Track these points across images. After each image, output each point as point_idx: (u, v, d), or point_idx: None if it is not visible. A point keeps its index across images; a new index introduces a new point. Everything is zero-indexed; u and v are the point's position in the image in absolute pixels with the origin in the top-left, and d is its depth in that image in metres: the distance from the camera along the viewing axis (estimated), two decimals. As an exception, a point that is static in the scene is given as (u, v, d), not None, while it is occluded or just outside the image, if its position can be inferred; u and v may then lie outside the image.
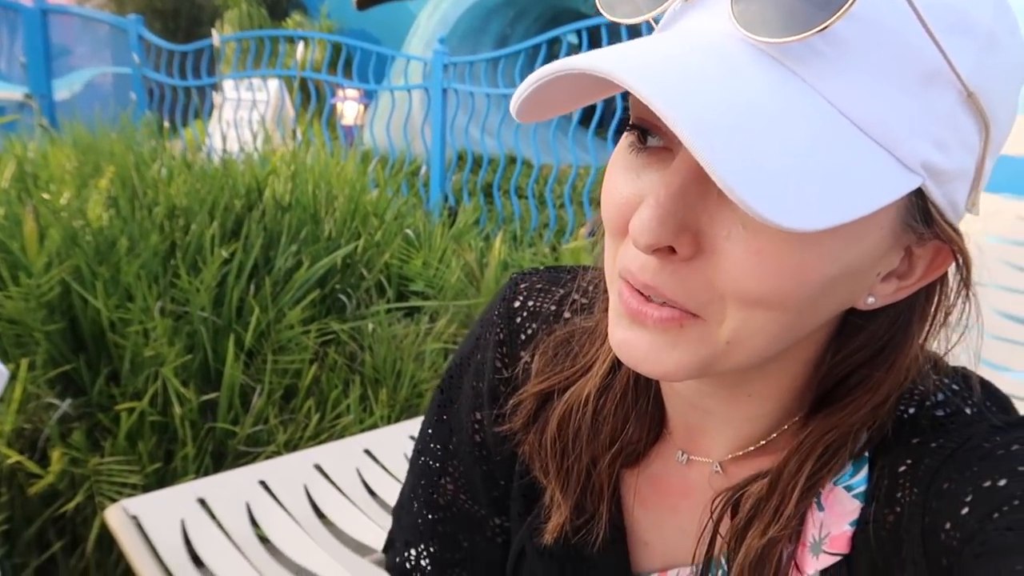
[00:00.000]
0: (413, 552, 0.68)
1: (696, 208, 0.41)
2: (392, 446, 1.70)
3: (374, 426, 2.09)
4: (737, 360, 0.44)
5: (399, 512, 0.71)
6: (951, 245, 0.43)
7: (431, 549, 0.68)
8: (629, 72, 0.35)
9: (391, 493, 1.56)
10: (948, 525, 0.44)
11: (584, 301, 0.62)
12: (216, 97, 5.18)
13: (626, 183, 0.45)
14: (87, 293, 1.94)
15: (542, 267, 0.67)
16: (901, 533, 0.47)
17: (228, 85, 5.78)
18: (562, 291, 0.64)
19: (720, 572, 0.54)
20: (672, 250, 0.41)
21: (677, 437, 0.58)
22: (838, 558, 0.49)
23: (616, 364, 0.57)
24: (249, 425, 1.88)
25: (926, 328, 0.47)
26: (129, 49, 5.85)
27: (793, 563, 0.50)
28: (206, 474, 1.84)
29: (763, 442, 0.54)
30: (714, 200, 0.41)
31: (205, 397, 1.87)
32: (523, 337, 0.63)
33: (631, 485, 0.59)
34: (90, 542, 1.67)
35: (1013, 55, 0.41)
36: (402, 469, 1.64)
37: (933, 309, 0.47)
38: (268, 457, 1.86)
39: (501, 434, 0.62)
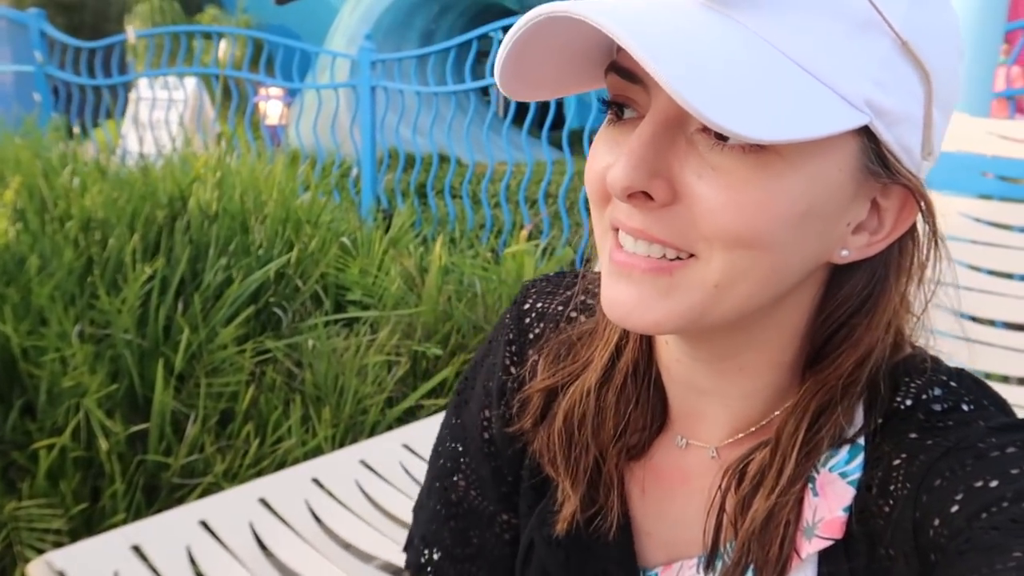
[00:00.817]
0: (427, 548, 0.71)
1: (667, 155, 0.45)
2: (341, 473, 1.60)
3: (318, 448, 1.98)
4: (726, 308, 0.47)
5: (417, 511, 0.73)
6: (912, 192, 0.47)
7: (445, 544, 0.70)
8: (595, 12, 0.40)
9: (342, 524, 1.47)
10: (937, 522, 0.46)
11: (590, 301, 0.65)
12: (130, 96, 4.90)
13: (605, 152, 0.49)
14: (-5, 319, 1.77)
15: (552, 273, 0.71)
16: (893, 525, 0.49)
17: (142, 84, 5.48)
18: (568, 292, 0.67)
19: (722, 563, 0.55)
20: (649, 197, 0.45)
21: (678, 425, 0.60)
22: (831, 542, 0.51)
23: (615, 356, 0.59)
24: (183, 455, 1.75)
25: (903, 282, 0.50)
26: (31, 46, 5.47)
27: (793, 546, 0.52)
28: (137, 512, 1.70)
29: (755, 428, 0.55)
30: (683, 147, 0.45)
31: (134, 428, 1.73)
32: (531, 336, 0.67)
33: (638, 477, 0.61)
34: (9, 596, 1.52)
35: (942, 11, 0.46)
36: (353, 497, 1.55)
37: (908, 262, 0.50)
38: (206, 489, 1.74)
39: (510, 434, 0.65)
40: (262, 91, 5.81)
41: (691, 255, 0.46)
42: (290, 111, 5.92)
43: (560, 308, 0.67)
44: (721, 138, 0.43)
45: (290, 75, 4.97)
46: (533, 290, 0.69)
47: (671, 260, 0.46)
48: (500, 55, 0.45)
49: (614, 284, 0.48)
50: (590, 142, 3.31)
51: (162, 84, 5.30)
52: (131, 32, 4.37)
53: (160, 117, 5.01)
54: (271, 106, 5.88)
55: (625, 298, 0.47)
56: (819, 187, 0.44)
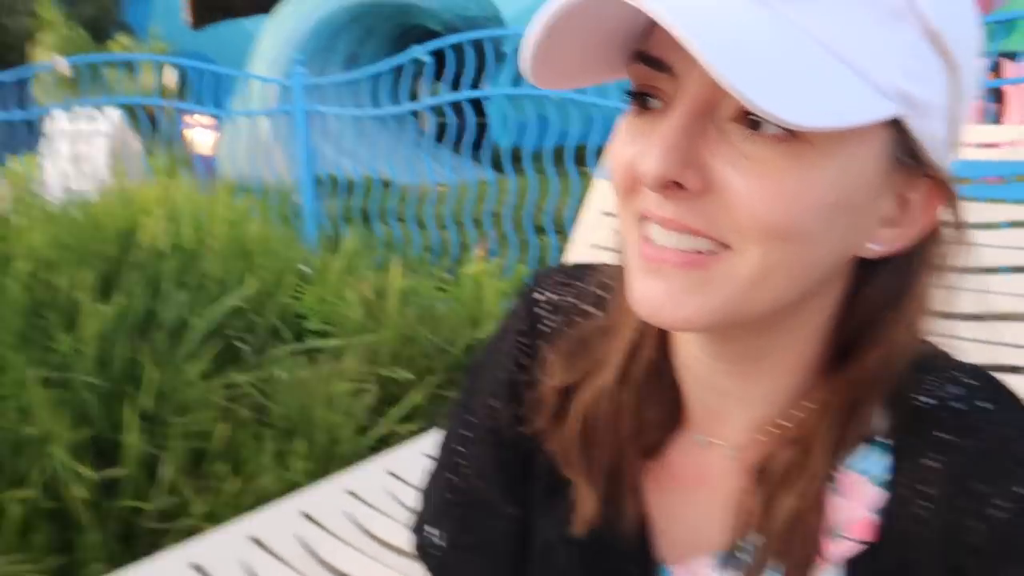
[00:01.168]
0: (431, 532, 0.70)
1: (698, 144, 0.44)
2: (329, 505, 1.58)
3: (294, 482, 1.94)
4: (757, 304, 0.46)
5: (424, 494, 0.73)
6: (940, 183, 0.47)
7: (446, 531, 0.69)
8: None
9: (337, 555, 1.45)
10: (974, 524, 0.45)
11: (606, 296, 0.63)
12: (48, 129, 4.69)
13: (628, 143, 0.48)
14: (-55, 369, 1.68)
15: (564, 264, 0.70)
16: (926, 528, 0.48)
17: (60, 116, 5.26)
18: (582, 285, 0.65)
19: (742, 563, 0.54)
20: (681, 187, 0.44)
21: (696, 424, 0.59)
22: (859, 544, 0.50)
23: (632, 355, 0.58)
24: (159, 499, 1.69)
25: (929, 276, 0.50)
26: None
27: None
28: (113, 561, 1.63)
29: (777, 428, 0.54)
30: (713, 136, 0.44)
31: (109, 474, 1.66)
32: (542, 328, 0.65)
33: (654, 475, 0.60)
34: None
35: (967, 3, 0.46)
36: (346, 529, 1.52)
37: (934, 257, 0.50)
38: (185, 532, 1.68)
39: (522, 432, 0.63)
40: (189, 120, 5.66)
41: (725, 246, 0.45)
42: (218, 139, 5.78)
43: (574, 301, 0.65)
44: (753, 127, 0.43)
45: (220, 102, 4.86)
46: (547, 280, 0.67)
47: (704, 253, 0.45)
48: (529, 41, 0.43)
49: (643, 279, 0.47)
50: (532, 162, 3.30)
51: (83, 116, 5.09)
52: (62, 62, 4.17)
53: (84, 151, 4.81)
54: (202, 134, 5.73)
55: (655, 293, 0.46)
56: (850, 178, 0.44)
